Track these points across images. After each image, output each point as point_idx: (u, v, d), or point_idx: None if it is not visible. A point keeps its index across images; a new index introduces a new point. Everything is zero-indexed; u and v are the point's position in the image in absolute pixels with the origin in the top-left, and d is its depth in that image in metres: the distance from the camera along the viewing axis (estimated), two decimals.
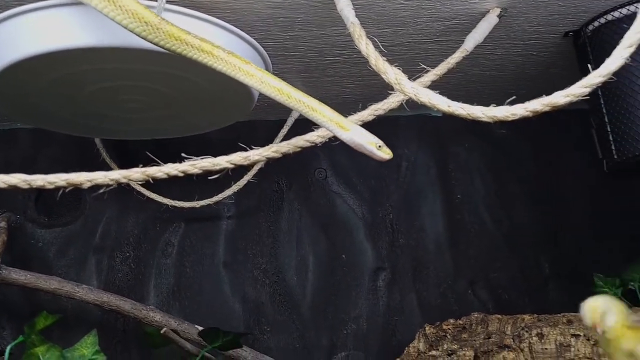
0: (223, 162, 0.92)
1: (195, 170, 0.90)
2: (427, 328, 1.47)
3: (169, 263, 1.56)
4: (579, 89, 0.84)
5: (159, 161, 0.88)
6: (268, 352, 1.46)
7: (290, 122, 1.55)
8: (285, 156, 1.76)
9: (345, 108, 1.10)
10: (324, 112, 0.96)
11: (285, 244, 1.64)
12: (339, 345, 1.59)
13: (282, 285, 1.61)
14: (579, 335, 1.19)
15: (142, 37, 0.84)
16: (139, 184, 1.52)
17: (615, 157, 1.28)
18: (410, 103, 1.01)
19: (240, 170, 1.55)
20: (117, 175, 0.83)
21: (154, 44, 0.84)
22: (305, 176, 1.72)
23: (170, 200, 1.51)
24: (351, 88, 1.56)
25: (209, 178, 0.96)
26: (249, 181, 1.55)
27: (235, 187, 1.52)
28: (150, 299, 1.52)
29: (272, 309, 1.58)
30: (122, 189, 1.53)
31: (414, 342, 1.45)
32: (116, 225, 1.59)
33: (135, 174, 0.84)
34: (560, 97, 0.86)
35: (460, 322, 1.48)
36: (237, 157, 0.94)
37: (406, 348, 1.46)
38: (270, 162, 1.57)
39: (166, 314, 1.35)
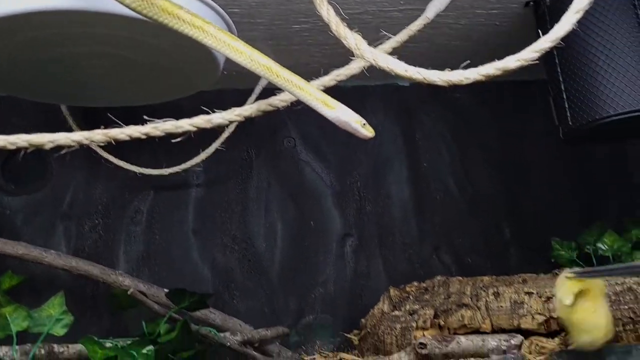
0: (186, 125, 0.94)
1: (158, 133, 0.91)
2: (391, 291, 1.52)
3: (138, 230, 1.57)
4: (530, 54, 0.87)
5: (122, 124, 0.89)
6: (237, 315, 1.49)
7: (258, 90, 1.56)
8: (254, 124, 1.78)
9: (313, 76, 1.12)
10: (310, 90, 1.00)
11: (254, 211, 1.67)
12: (307, 309, 1.63)
13: (251, 251, 1.64)
14: (532, 293, 1.24)
15: (137, 12, 0.84)
16: (108, 153, 1.52)
17: (570, 123, 1.33)
18: (377, 73, 1.04)
19: (208, 139, 1.58)
20: (79, 136, 0.84)
21: (148, 18, 0.86)
22: (274, 145, 1.74)
23: (139, 168, 1.52)
24: (318, 57, 1.58)
25: (173, 141, 0.97)
26: (217, 149, 1.57)
27: (203, 155, 1.53)
28: (119, 266, 1.53)
29: (241, 275, 1.61)
30: (90, 157, 1.54)
31: (379, 304, 1.50)
32: (84, 193, 1.59)
33: (97, 136, 0.85)
34: (512, 62, 0.89)
35: (424, 284, 1.53)
36: (200, 120, 0.95)
37: (371, 310, 1.51)
38: (238, 130, 1.60)
39: (135, 279, 1.37)
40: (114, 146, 1.50)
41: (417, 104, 1.86)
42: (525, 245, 1.79)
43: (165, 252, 1.58)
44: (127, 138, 0.90)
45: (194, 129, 0.94)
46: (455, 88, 0.90)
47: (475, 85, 1.90)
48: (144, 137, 0.91)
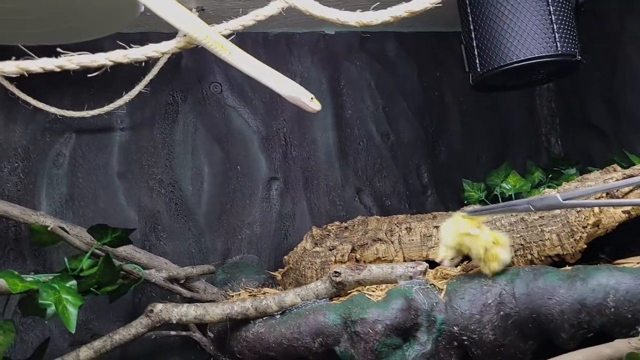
0: (102, 58, 0.94)
1: (73, 66, 0.91)
2: (314, 230, 1.60)
3: (60, 173, 1.56)
4: None
5: (33, 55, 0.89)
6: (164, 256, 1.52)
7: (182, 32, 1.55)
8: (180, 69, 1.77)
9: (233, 16, 1.14)
10: (261, 67, 1.06)
11: (181, 155, 1.69)
12: (233, 249, 1.69)
13: (178, 194, 1.66)
14: (439, 227, 1.34)
15: None
16: (26, 95, 1.49)
17: (479, 70, 1.42)
18: (304, 21, 1.07)
19: (133, 82, 1.57)
20: None
21: None
22: (200, 90, 1.75)
23: (59, 110, 1.50)
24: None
25: (89, 76, 0.97)
26: (142, 93, 1.57)
27: (126, 97, 1.53)
28: (42, 208, 1.52)
29: (168, 217, 1.64)
30: (8, 99, 1.50)
31: (302, 242, 1.58)
32: (2, 136, 1.55)
33: (9, 67, 0.85)
34: (419, 4, 0.95)
35: (344, 224, 1.62)
36: (117, 55, 0.96)
37: (295, 248, 1.58)
38: (164, 74, 1.60)
39: (57, 219, 1.38)
40: (34, 88, 1.49)
41: (343, 53, 1.91)
42: (441, 187, 1.91)
43: (90, 196, 1.58)
44: (41, 70, 0.89)
45: (110, 63, 0.95)
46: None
47: (399, 36, 1.98)
48: (57, 69, 0.91)
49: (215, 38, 1.01)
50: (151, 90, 1.62)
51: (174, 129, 1.69)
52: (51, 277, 1.12)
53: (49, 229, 1.10)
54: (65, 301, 1.07)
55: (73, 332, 1.05)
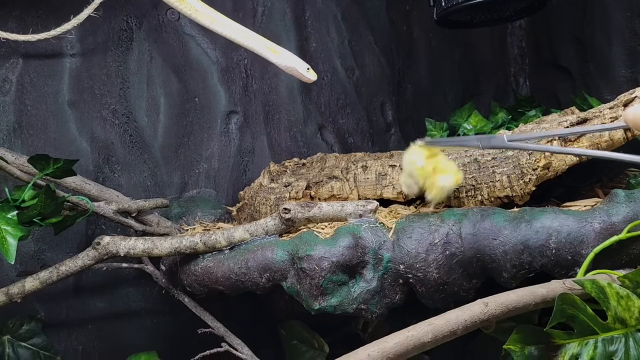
0: None
1: None
2: (271, 165, 1.57)
3: (7, 100, 1.49)
4: None
5: None
6: (118, 188, 1.49)
7: None
8: None
9: None
10: (257, 39, 1.13)
11: (135, 84, 1.62)
12: (190, 183, 1.67)
13: (133, 126, 1.61)
14: (395, 165, 1.33)
15: None
16: None
17: (443, 4, 1.37)
18: None
19: (83, 5, 1.48)
20: None
21: None
22: (156, 16, 1.66)
23: (2, 33, 1.41)
24: None
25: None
26: (93, 18, 1.48)
27: (74, 22, 1.44)
28: None
29: (122, 149, 1.59)
30: None
31: (259, 177, 1.55)
32: None
33: None
34: None
35: (303, 160, 1.60)
36: None
37: (252, 183, 1.56)
38: None
39: (3, 148, 1.32)
40: None
41: None
42: (405, 125, 1.89)
43: (39, 124, 1.52)
44: None
45: None
46: None
47: None
48: None
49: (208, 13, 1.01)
50: (103, 15, 1.53)
51: (128, 57, 1.62)
52: None
53: None
54: (4, 232, 1.04)
55: (12, 263, 1.03)
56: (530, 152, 1.10)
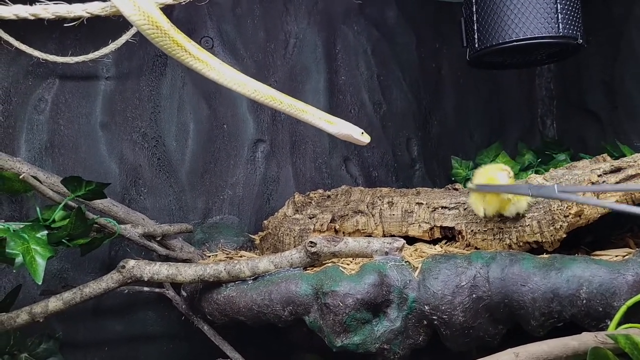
0: (79, 10, 0.90)
1: (48, 15, 0.88)
2: (296, 196, 1.57)
3: (41, 119, 1.52)
4: None
5: (9, 2, 0.85)
6: (144, 211, 1.51)
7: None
8: (172, 21, 1.72)
9: None
10: (313, 112, 1.19)
11: (167, 109, 1.65)
12: (214, 209, 1.67)
13: (161, 149, 1.63)
14: (422, 203, 1.33)
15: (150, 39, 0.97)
16: (8, 35, 1.44)
17: (477, 45, 1.38)
18: None
19: (121, 31, 1.51)
20: None
21: (158, 46, 1.00)
22: None
23: (42, 54, 1.45)
24: None
25: (65, 25, 0.94)
26: (130, 43, 1.51)
27: (112, 46, 1.48)
28: (21, 154, 1.49)
29: (150, 172, 1.61)
30: None
31: (284, 207, 1.56)
32: None
33: None
34: None
35: (328, 192, 1.60)
36: (95, 7, 0.92)
37: (276, 213, 1.56)
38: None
39: (35, 166, 1.35)
40: (17, 29, 1.43)
41: (341, 16, 1.85)
42: (429, 162, 1.89)
43: (70, 144, 1.55)
44: (14, 17, 0.86)
45: (88, 15, 0.91)
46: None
47: (401, 3, 1.92)
48: (32, 17, 0.88)
49: (267, 92, 1.14)
50: (139, 41, 1.56)
51: (161, 82, 1.65)
52: (22, 226, 1.10)
53: (20, 177, 1.08)
54: (33, 251, 1.05)
55: (40, 283, 1.04)
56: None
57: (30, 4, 0.88)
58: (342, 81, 1.84)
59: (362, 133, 1.23)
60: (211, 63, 1.05)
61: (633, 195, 1.05)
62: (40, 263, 1.05)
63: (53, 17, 0.89)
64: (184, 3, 1.06)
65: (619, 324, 0.95)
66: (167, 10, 1.61)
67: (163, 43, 0.98)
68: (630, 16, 1.71)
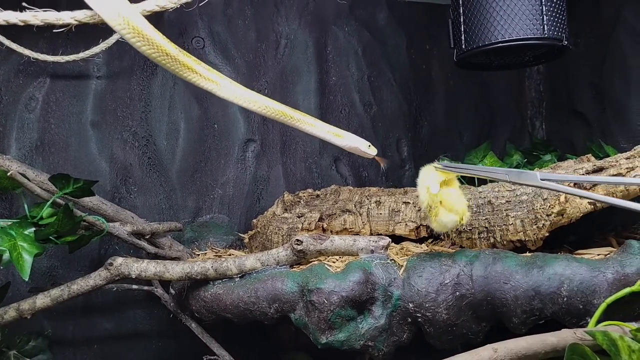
0: (67, 17, 0.92)
1: (37, 22, 0.90)
2: (285, 195, 1.58)
3: (32, 118, 1.53)
4: None
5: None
6: (134, 209, 1.51)
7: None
8: (162, 22, 1.73)
9: None
10: (321, 126, 1.22)
11: (157, 109, 1.66)
12: (204, 207, 1.68)
13: (152, 149, 1.64)
14: (408, 202, 1.34)
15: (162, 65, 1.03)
16: None
17: (464, 47, 1.39)
18: None
19: (112, 29, 1.52)
20: None
21: (170, 71, 1.05)
22: (182, 44, 1.71)
23: (33, 53, 1.46)
24: None
25: (55, 31, 0.95)
26: (120, 42, 1.52)
27: (102, 46, 1.49)
28: (11, 152, 1.50)
29: (140, 171, 1.62)
30: None
31: (273, 206, 1.57)
32: None
33: None
34: None
35: (317, 192, 1.61)
36: (82, 15, 0.93)
37: (265, 212, 1.57)
38: None
39: (24, 164, 1.36)
40: (8, 27, 1.44)
41: (332, 18, 1.87)
42: (419, 162, 1.89)
43: (61, 143, 1.55)
44: (4, 23, 0.87)
45: (76, 22, 0.92)
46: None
47: (391, 5, 1.93)
48: (21, 24, 0.89)
49: (277, 108, 1.17)
50: None
51: (152, 81, 1.66)
52: (9, 223, 1.11)
53: (8, 174, 1.08)
54: (20, 248, 1.06)
55: (26, 279, 1.04)
56: (545, 197, 1.10)
57: (21, 10, 0.90)
58: (333, 82, 1.86)
59: (369, 146, 1.27)
60: (222, 83, 1.10)
61: (614, 193, 1.06)
62: (27, 259, 1.06)
63: (42, 24, 0.91)
64: (171, 10, 1.07)
65: (599, 321, 0.96)
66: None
67: (174, 68, 1.05)
68: (618, 18, 1.72)
